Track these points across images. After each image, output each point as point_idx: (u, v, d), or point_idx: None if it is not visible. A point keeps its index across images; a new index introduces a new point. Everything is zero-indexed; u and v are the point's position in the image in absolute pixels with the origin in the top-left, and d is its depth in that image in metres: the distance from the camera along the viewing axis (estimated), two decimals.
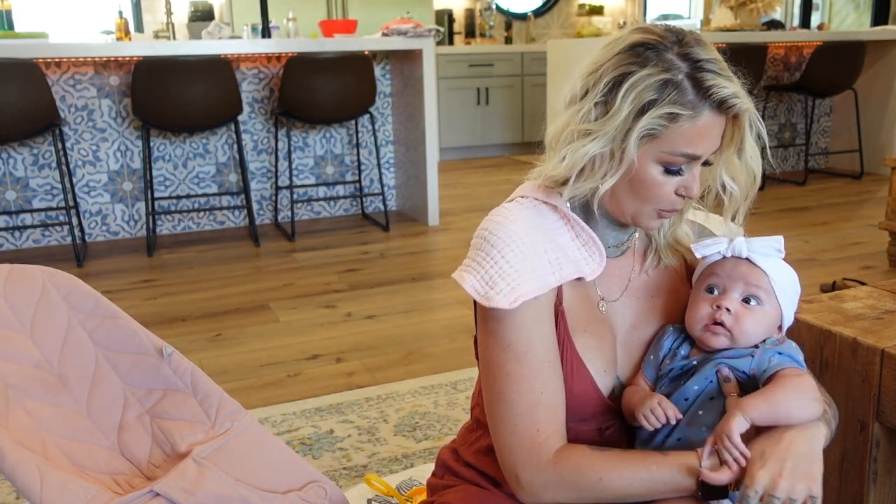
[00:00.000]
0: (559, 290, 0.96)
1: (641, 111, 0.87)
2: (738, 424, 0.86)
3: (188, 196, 4.21)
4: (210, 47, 3.80)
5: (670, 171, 0.91)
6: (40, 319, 1.13)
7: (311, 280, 3.33)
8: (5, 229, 3.91)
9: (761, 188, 5.08)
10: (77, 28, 5.95)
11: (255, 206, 4.37)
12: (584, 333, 0.97)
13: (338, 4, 6.30)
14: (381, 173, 4.39)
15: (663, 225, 1.04)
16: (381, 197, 4.48)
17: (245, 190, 4.08)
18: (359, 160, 4.51)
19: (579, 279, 0.97)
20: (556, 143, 0.94)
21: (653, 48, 0.89)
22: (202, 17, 5.57)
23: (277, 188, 4.37)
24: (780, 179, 5.43)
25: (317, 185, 4.48)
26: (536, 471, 0.91)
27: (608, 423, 1.00)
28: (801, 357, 0.94)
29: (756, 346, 0.96)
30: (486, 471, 1.05)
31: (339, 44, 4.06)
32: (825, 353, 1.39)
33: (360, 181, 4.54)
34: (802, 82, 5.18)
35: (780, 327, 0.99)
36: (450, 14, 6.98)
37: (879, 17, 7.61)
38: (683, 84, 0.87)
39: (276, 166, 4.31)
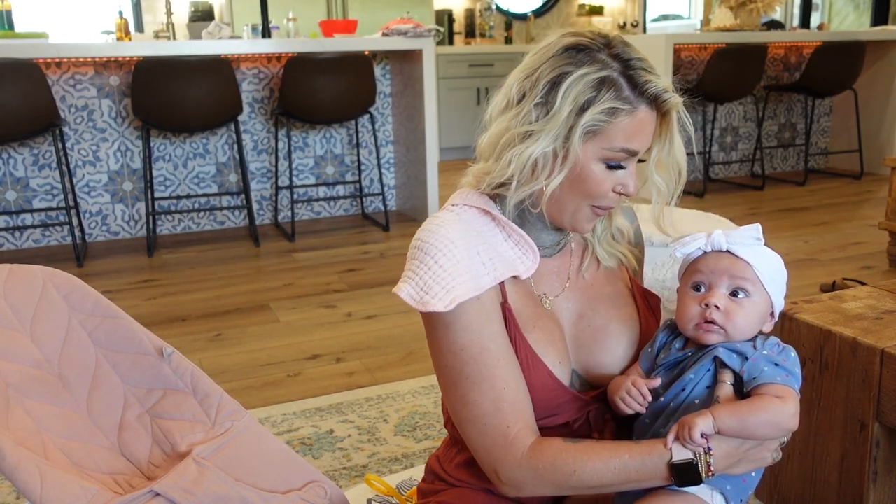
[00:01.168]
0: (502, 289, 0.98)
1: (582, 109, 0.91)
2: (704, 425, 0.88)
3: (188, 196, 4.21)
4: (210, 47, 3.80)
5: (611, 166, 0.94)
6: (40, 319, 1.13)
7: (311, 280, 3.33)
8: (5, 229, 3.91)
9: (761, 188, 5.12)
10: (77, 28, 5.95)
11: (255, 206, 4.37)
12: (533, 329, 0.99)
13: (338, 4, 6.30)
14: (381, 173, 4.39)
15: (595, 229, 1.06)
16: (381, 197, 4.48)
17: (245, 190, 4.08)
18: (359, 160, 4.51)
19: (517, 278, 0.99)
20: (495, 148, 0.97)
21: (585, 50, 0.92)
22: (202, 17, 5.57)
23: (277, 188, 4.37)
24: (780, 179, 5.44)
25: (317, 185, 4.48)
26: (513, 467, 0.92)
27: (575, 417, 1.01)
28: (797, 368, 0.92)
29: (754, 339, 0.95)
30: (471, 482, 1.06)
31: (339, 44, 4.06)
32: (825, 353, 1.39)
33: (360, 181, 4.54)
34: (802, 82, 5.18)
35: (772, 314, 0.99)
36: (450, 14, 6.98)
37: (879, 17, 7.61)
38: (619, 81, 0.91)
39: (276, 166, 4.31)
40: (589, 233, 1.03)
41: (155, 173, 4.13)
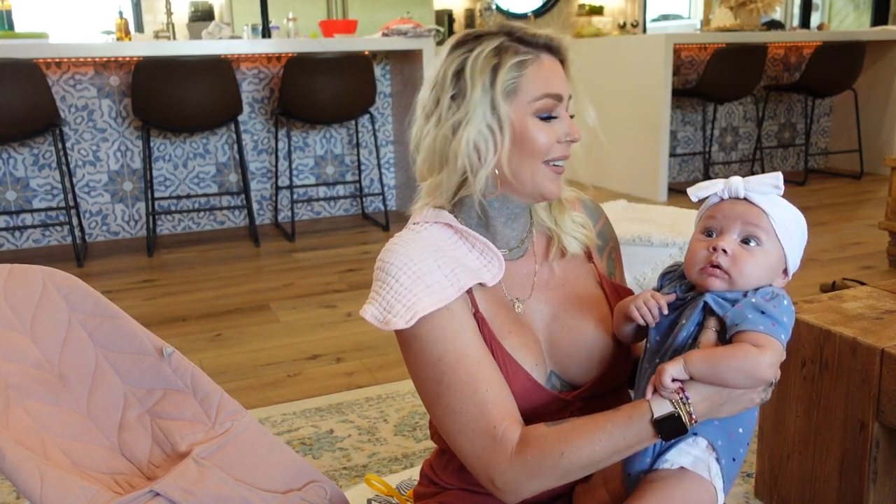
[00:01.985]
0: (472, 299, 0.98)
1: (492, 78, 0.94)
2: (675, 370, 0.86)
3: (188, 196, 4.21)
4: (210, 47, 3.80)
5: (544, 118, 0.96)
6: (40, 319, 1.13)
7: (311, 280, 3.33)
8: (5, 229, 3.91)
9: None
10: (77, 28, 5.95)
11: (255, 206, 4.37)
12: (508, 335, 0.99)
13: (338, 4, 6.30)
14: (381, 173, 4.39)
15: (552, 211, 1.07)
16: (381, 197, 4.48)
17: (245, 190, 4.08)
18: (359, 160, 4.51)
19: (483, 285, 0.99)
20: (435, 159, 0.98)
21: (473, 37, 0.98)
22: (202, 17, 5.58)
23: (277, 188, 4.37)
24: None
25: (317, 185, 4.48)
26: (506, 469, 0.91)
27: (558, 418, 1.00)
28: (786, 317, 0.87)
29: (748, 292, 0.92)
30: (467, 487, 1.06)
31: (339, 44, 4.06)
32: (825, 353, 1.39)
33: (360, 181, 4.54)
34: (802, 82, 5.18)
35: (785, 271, 0.95)
36: (450, 14, 6.98)
37: (879, 17, 7.61)
38: (512, 44, 0.96)
39: (276, 166, 4.32)
40: (557, 197, 1.02)
41: (155, 173, 4.13)
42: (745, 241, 0.91)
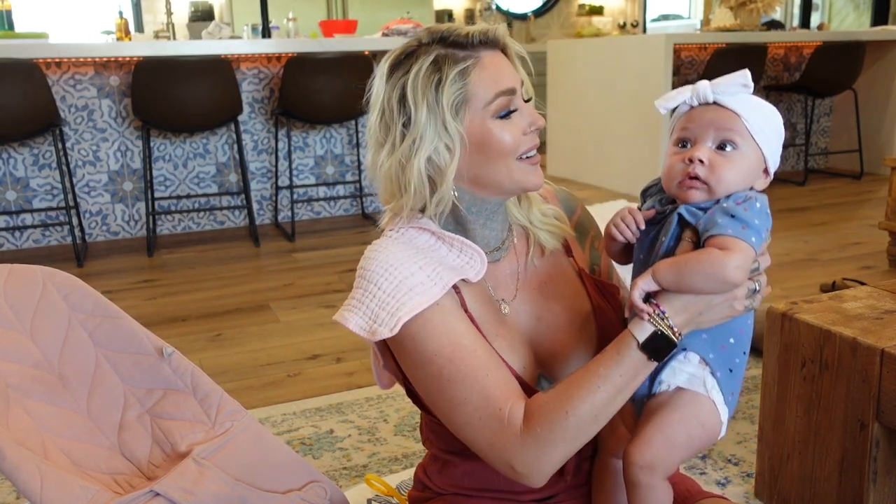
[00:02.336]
0: (460, 297, 0.97)
1: (437, 95, 0.92)
2: (644, 283, 0.85)
3: (188, 196, 4.21)
4: (210, 47, 3.80)
5: (503, 115, 0.94)
6: (40, 319, 1.13)
7: (311, 280, 3.33)
8: (5, 229, 3.91)
9: None
10: (77, 28, 5.96)
11: (255, 206, 4.37)
12: (496, 336, 0.98)
13: (338, 4, 6.30)
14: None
15: (524, 209, 1.06)
16: None
17: (245, 190, 4.08)
18: (359, 160, 4.51)
19: (467, 282, 0.98)
20: (395, 185, 0.97)
21: (406, 56, 0.95)
22: (202, 17, 5.58)
23: (277, 188, 4.38)
24: (780, 179, 5.44)
25: (317, 185, 4.48)
26: (519, 449, 0.88)
27: None
28: (758, 220, 0.85)
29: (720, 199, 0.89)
30: (461, 492, 1.05)
31: (339, 44, 4.06)
32: (825, 353, 1.39)
33: (360, 181, 4.54)
34: (802, 82, 5.18)
35: (766, 171, 0.92)
36: (450, 14, 6.98)
37: (879, 17, 7.61)
38: (448, 52, 0.93)
39: (276, 166, 4.32)
40: (538, 189, 1.01)
41: (155, 173, 4.13)
42: (721, 147, 0.88)
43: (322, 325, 2.77)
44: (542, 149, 1.03)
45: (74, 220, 3.93)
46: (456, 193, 0.97)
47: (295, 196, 4.41)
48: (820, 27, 6.38)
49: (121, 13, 4.25)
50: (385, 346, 1.02)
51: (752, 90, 0.89)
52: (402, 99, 0.94)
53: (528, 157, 0.96)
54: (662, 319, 0.84)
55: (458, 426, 0.93)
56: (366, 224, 4.36)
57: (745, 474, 1.72)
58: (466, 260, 0.98)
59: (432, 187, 0.95)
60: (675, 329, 0.85)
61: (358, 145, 4.52)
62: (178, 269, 3.58)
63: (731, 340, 0.90)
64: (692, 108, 0.91)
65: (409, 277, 0.93)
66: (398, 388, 2.24)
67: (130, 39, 4.24)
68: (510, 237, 1.06)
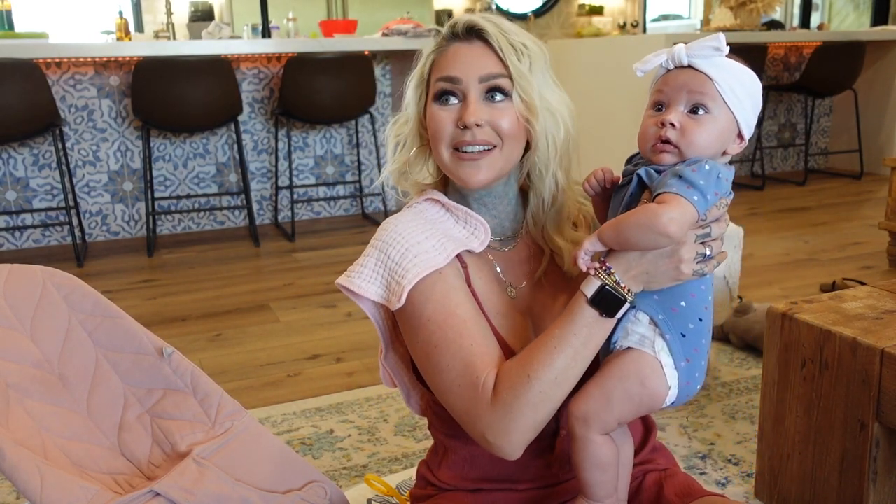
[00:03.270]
0: (466, 271, 1.00)
1: (419, 79, 1.02)
2: (590, 244, 0.88)
3: (188, 196, 4.21)
4: (210, 47, 3.80)
5: (440, 99, 0.98)
6: (40, 319, 1.13)
7: (311, 280, 3.33)
8: (6, 229, 3.91)
9: (761, 188, 5.12)
10: (77, 28, 5.95)
11: (255, 206, 4.37)
12: (497, 315, 1.00)
13: (338, 4, 6.30)
14: (381, 173, 4.39)
15: (552, 224, 1.04)
16: (380, 197, 4.49)
17: (245, 190, 4.08)
18: (359, 160, 4.51)
19: (474, 256, 1.02)
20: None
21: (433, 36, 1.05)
22: (202, 17, 5.58)
23: (277, 188, 4.37)
24: (780, 179, 5.44)
25: (317, 185, 4.48)
26: (489, 417, 0.89)
27: None
28: (704, 180, 0.85)
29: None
30: (460, 485, 1.06)
31: (339, 44, 4.06)
32: (825, 353, 1.39)
33: (360, 181, 4.54)
34: (802, 82, 5.18)
35: (740, 135, 0.92)
36: (450, 14, 6.98)
37: (879, 17, 7.61)
38: (436, 41, 1.01)
39: (276, 166, 4.32)
40: (474, 186, 0.99)
41: (155, 173, 4.13)
42: (693, 111, 0.89)
43: (322, 325, 2.77)
44: None
45: (74, 220, 3.93)
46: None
47: (295, 196, 4.41)
48: (820, 27, 6.38)
49: (121, 13, 4.25)
50: (389, 329, 1.05)
51: (724, 53, 0.90)
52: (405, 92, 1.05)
53: (463, 152, 0.96)
54: (609, 275, 0.87)
55: (440, 392, 0.96)
56: (366, 224, 4.36)
57: (745, 474, 1.72)
58: (471, 230, 1.01)
59: (411, 160, 1.05)
60: (623, 285, 0.86)
61: (358, 145, 4.52)
62: (178, 269, 3.58)
63: (683, 304, 0.90)
64: (668, 71, 0.92)
65: (415, 245, 0.97)
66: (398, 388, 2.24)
67: (130, 39, 4.24)
68: (523, 229, 1.07)
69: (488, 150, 0.96)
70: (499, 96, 0.96)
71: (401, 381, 1.11)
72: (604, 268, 0.87)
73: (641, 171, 0.89)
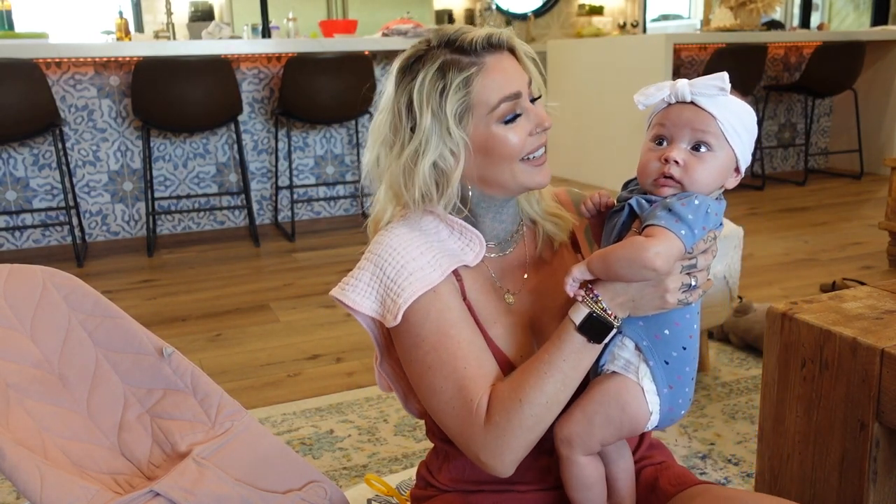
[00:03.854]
0: (461, 284, 1.00)
1: (441, 102, 0.93)
2: (577, 271, 0.89)
3: (188, 196, 4.21)
4: (210, 47, 3.80)
5: (509, 121, 0.94)
6: (40, 319, 1.13)
7: (311, 280, 3.33)
8: (5, 229, 3.91)
9: (761, 188, 5.12)
10: (77, 28, 5.95)
11: (255, 206, 4.37)
12: (494, 324, 1.00)
13: (338, 4, 6.30)
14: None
15: (533, 203, 1.07)
16: None
17: (245, 190, 4.08)
18: (359, 160, 4.51)
19: (469, 269, 1.00)
20: (401, 190, 0.98)
21: (414, 61, 0.96)
22: (202, 17, 5.58)
23: (277, 188, 4.37)
24: (780, 179, 5.44)
25: (317, 185, 4.48)
26: (483, 440, 0.91)
27: None
28: (693, 215, 0.86)
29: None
30: (464, 488, 1.06)
31: (339, 44, 4.06)
32: (825, 353, 1.39)
33: (360, 181, 4.54)
34: (802, 82, 5.18)
35: (737, 169, 0.94)
36: (450, 14, 6.98)
37: (879, 17, 7.61)
38: (453, 57, 0.94)
39: (276, 166, 4.32)
40: (542, 186, 1.02)
41: (155, 173, 4.13)
42: (696, 148, 0.91)
43: (322, 325, 2.77)
44: None
45: (74, 220, 3.93)
46: (470, 192, 0.99)
47: (295, 196, 4.41)
48: (820, 27, 6.38)
49: (121, 13, 4.25)
50: (384, 339, 1.05)
51: (727, 93, 0.91)
52: (410, 104, 0.95)
53: (532, 158, 0.97)
54: (596, 302, 0.88)
55: (433, 411, 0.97)
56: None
57: (745, 474, 1.72)
58: (466, 242, 1.00)
59: (439, 190, 0.97)
60: (610, 312, 0.88)
61: (358, 145, 4.52)
62: (178, 269, 3.58)
63: (667, 332, 0.92)
64: (670, 105, 0.93)
65: (411, 262, 0.96)
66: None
67: (130, 39, 4.24)
68: (520, 230, 1.08)
69: (545, 150, 0.99)
70: (536, 94, 0.99)
71: (397, 386, 1.11)
72: (591, 295, 0.89)
73: (633, 201, 0.91)
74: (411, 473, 1.51)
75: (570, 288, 0.90)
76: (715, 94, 0.90)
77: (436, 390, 0.94)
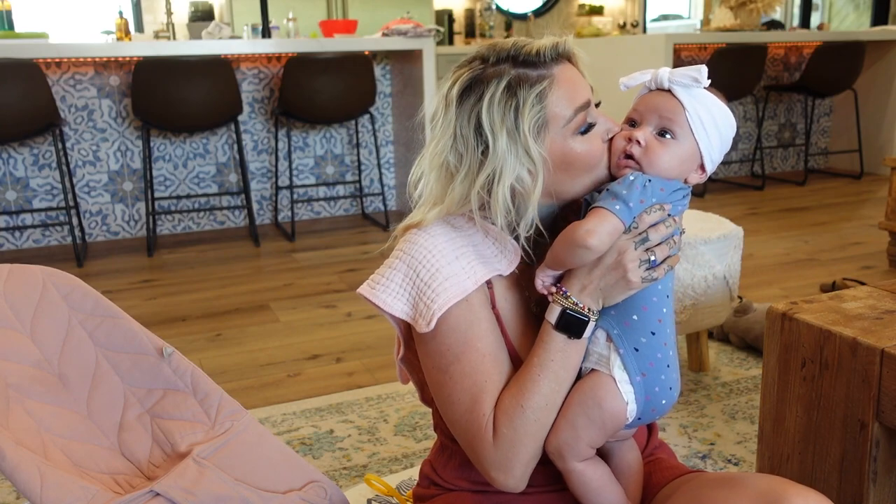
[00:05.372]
0: (491, 292, 0.97)
1: (517, 121, 0.89)
2: (541, 272, 0.92)
3: (188, 196, 4.21)
4: (210, 47, 3.80)
5: (584, 131, 0.93)
6: (40, 319, 1.13)
7: (311, 280, 3.33)
8: (5, 229, 3.91)
9: (761, 188, 5.12)
10: (77, 28, 5.95)
11: (255, 206, 4.37)
12: (521, 336, 0.98)
13: (338, 4, 6.30)
14: (381, 173, 4.39)
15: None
16: (381, 197, 4.48)
17: (245, 190, 4.08)
18: (359, 160, 4.51)
19: (501, 276, 0.98)
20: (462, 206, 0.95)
21: (474, 81, 0.92)
22: (202, 17, 5.58)
23: (277, 188, 4.37)
24: (780, 179, 5.44)
25: (317, 185, 4.48)
26: (492, 454, 0.91)
27: None
28: (626, 191, 0.87)
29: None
30: (465, 485, 1.06)
31: (339, 44, 4.06)
32: (825, 353, 1.39)
33: (360, 181, 4.54)
34: (802, 82, 5.18)
35: (702, 166, 0.95)
36: (450, 14, 6.98)
37: (879, 17, 7.61)
38: (519, 72, 0.91)
39: (276, 166, 4.32)
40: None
41: (155, 173, 4.13)
42: (661, 134, 0.92)
43: (322, 325, 2.77)
44: None
45: (74, 220, 3.93)
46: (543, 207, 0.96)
47: (295, 196, 4.41)
48: (820, 27, 6.38)
49: (121, 13, 4.25)
50: (405, 332, 1.03)
51: (703, 85, 0.92)
52: (479, 127, 0.91)
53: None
54: (566, 298, 0.90)
55: (447, 419, 0.97)
56: (366, 224, 4.36)
57: None
58: (500, 249, 0.97)
59: (519, 212, 0.93)
60: (581, 304, 0.89)
61: (358, 145, 4.52)
62: (178, 269, 3.58)
63: (635, 317, 0.92)
64: (649, 90, 0.96)
65: (446, 266, 0.94)
66: (398, 388, 2.24)
67: (130, 39, 4.24)
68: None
69: None
70: (597, 102, 0.99)
71: (415, 378, 1.11)
72: (560, 292, 0.90)
73: (587, 195, 0.93)
74: (411, 473, 1.51)
75: (542, 285, 0.91)
76: (689, 83, 0.92)
77: (453, 400, 0.94)
